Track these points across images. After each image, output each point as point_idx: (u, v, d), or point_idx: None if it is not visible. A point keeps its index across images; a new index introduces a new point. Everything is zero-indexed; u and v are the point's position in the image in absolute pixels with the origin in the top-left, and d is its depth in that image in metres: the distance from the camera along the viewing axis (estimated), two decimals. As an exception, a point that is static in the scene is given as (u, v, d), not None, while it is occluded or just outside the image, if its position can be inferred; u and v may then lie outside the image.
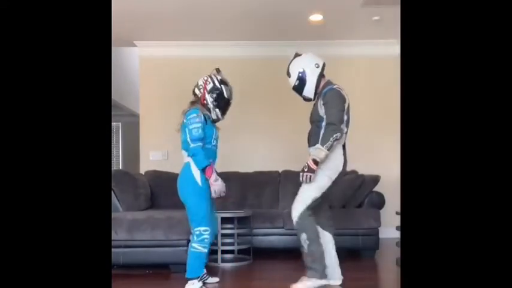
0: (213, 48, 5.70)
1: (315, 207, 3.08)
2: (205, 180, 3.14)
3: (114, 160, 10.11)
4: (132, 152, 7.80)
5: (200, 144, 3.12)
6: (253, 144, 5.66)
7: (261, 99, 5.74)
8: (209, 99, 3.24)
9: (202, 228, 3.11)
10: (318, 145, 2.94)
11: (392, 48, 5.66)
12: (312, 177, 2.93)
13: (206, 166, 3.10)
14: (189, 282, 3.15)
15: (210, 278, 3.33)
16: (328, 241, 3.13)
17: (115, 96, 7.06)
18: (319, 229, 3.11)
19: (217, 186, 3.11)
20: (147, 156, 5.77)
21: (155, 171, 5.07)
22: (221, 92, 3.25)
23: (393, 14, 4.52)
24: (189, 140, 3.13)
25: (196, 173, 3.14)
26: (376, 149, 5.64)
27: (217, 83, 3.26)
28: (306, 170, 2.94)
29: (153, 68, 5.80)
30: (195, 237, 3.14)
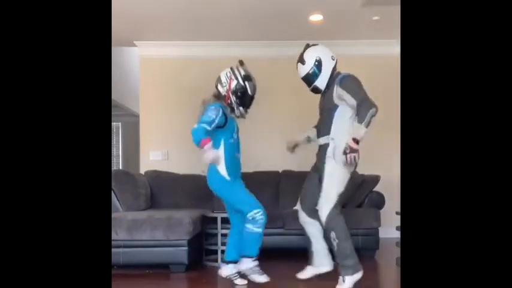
0: (213, 48, 5.70)
1: (302, 195, 3.15)
2: (233, 173, 3.15)
3: (114, 160, 10.11)
4: (132, 152, 7.81)
5: (206, 126, 2.99)
6: (253, 144, 5.66)
7: (261, 99, 5.69)
8: (233, 98, 3.18)
9: (253, 212, 3.10)
10: (356, 123, 2.86)
11: (392, 48, 5.66)
12: (357, 158, 2.86)
13: (199, 140, 2.94)
14: (243, 259, 3.17)
15: (239, 279, 3.28)
16: (315, 229, 3.17)
17: (115, 96, 7.05)
18: (306, 217, 3.17)
19: (210, 155, 2.96)
20: (147, 156, 5.77)
21: (155, 171, 5.07)
22: (245, 90, 3.18)
23: (393, 14, 4.51)
24: (198, 121, 3.03)
25: (222, 169, 3.13)
26: (376, 149, 5.63)
27: (241, 80, 3.17)
28: (348, 151, 2.86)
29: (153, 68, 5.80)
30: (249, 222, 3.12)
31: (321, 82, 3.09)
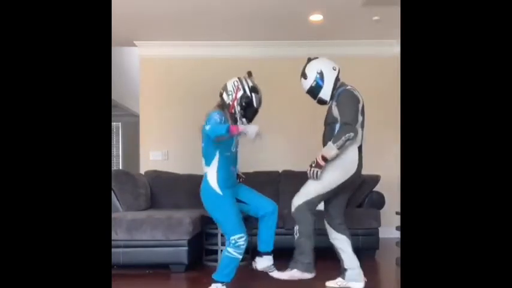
0: (213, 48, 5.70)
1: (328, 210, 3.14)
2: (225, 188, 3.01)
3: (114, 160, 10.11)
4: (132, 152, 7.80)
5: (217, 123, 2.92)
6: (253, 145, 5.65)
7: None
8: (238, 108, 3.06)
9: (236, 237, 2.93)
10: (330, 143, 2.94)
11: (392, 48, 5.66)
12: (318, 173, 2.94)
13: (228, 128, 2.80)
14: (213, 285, 2.97)
15: (276, 272, 3.16)
16: (344, 243, 3.14)
17: (115, 96, 7.06)
18: (335, 233, 3.15)
19: (250, 128, 2.83)
20: (147, 156, 5.77)
21: (155, 171, 5.06)
22: (251, 102, 3.06)
23: (393, 14, 4.51)
24: (207, 129, 2.92)
25: (214, 183, 3.00)
26: (376, 149, 5.63)
27: (247, 91, 3.07)
28: (313, 165, 2.96)
29: (153, 68, 5.80)
30: (231, 245, 2.95)
31: (325, 94, 3.15)
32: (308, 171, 2.98)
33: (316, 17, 4.89)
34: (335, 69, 3.16)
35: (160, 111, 5.74)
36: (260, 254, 3.16)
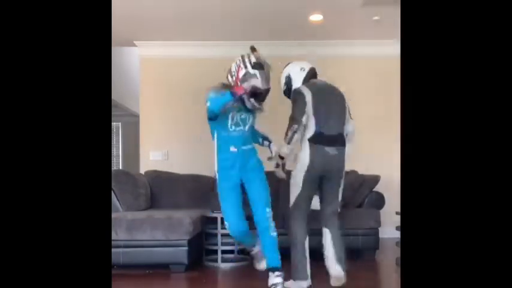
0: (213, 48, 5.70)
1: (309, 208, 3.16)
2: (223, 169, 2.96)
3: (114, 160, 10.11)
4: (132, 152, 7.80)
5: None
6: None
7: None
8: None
9: (226, 223, 2.99)
10: (283, 141, 3.04)
11: (392, 48, 5.65)
12: (279, 170, 3.07)
13: (230, 93, 2.72)
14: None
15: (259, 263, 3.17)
16: (326, 238, 3.15)
17: (115, 96, 7.06)
18: (323, 229, 3.15)
19: (245, 83, 2.78)
20: (147, 156, 5.77)
21: (155, 171, 5.07)
22: (256, 80, 2.83)
23: (393, 14, 4.51)
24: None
25: (215, 164, 3.01)
26: (376, 149, 5.63)
27: (250, 69, 2.83)
28: (275, 165, 3.10)
29: (153, 68, 5.80)
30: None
31: None
32: (275, 173, 3.11)
33: (316, 17, 4.89)
34: (303, 70, 3.26)
35: (160, 111, 5.75)
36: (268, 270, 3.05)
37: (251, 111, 3.01)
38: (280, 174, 3.08)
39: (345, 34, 5.44)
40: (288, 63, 3.35)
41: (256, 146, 3.21)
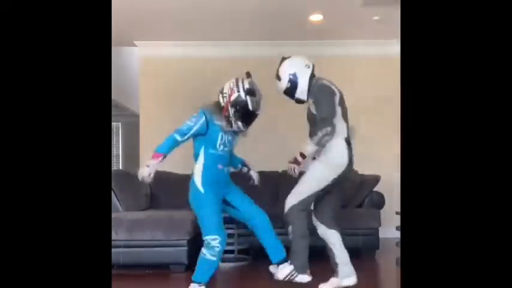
0: (213, 48, 5.70)
1: (317, 206, 3.07)
2: (208, 186, 2.95)
3: (114, 160, 10.10)
4: (132, 152, 7.80)
5: (177, 136, 3.03)
6: (253, 144, 5.66)
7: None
8: (232, 111, 2.93)
9: (210, 238, 2.85)
10: (308, 139, 2.93)
11: (393, 48, 5.66)
12: (296, 169, 2.92)
13: (158, 152, 2.97)
14: (192, 284, 2.95)
15: (299, 276, 3.06)
16: (335, 237, 3.10)
17: (115, 96, 7.06)
18: (325, 228, 3.08)
19: (144, 169, 2.95)
20: (147, 156, 5.76)
21: (155, 171, 5.05)
22: (245, 105, 2.92)
23: (393, 14, 4.52)
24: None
25: (198, 180, 2.97)
26: (376, 148, 5.64)
27: (242, 94, 2.92)
28: (292, 161, 2.94)
29: (153, 68, 5.80)
30: (204, 245, 2.91)
31: (301, 93, 3.09)
32: (287, 168, 2.96)
33: (316, 17, 4.89)
34: (308, 67, 3.08)
35: (160, 111, 5.74)
36: (276, 265, 3.06)
37: (236, 133, 3.08)
38: (294, 172, 2.94)
39: (345, 34, 5.44)
40: (286, 58, 3.13)
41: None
